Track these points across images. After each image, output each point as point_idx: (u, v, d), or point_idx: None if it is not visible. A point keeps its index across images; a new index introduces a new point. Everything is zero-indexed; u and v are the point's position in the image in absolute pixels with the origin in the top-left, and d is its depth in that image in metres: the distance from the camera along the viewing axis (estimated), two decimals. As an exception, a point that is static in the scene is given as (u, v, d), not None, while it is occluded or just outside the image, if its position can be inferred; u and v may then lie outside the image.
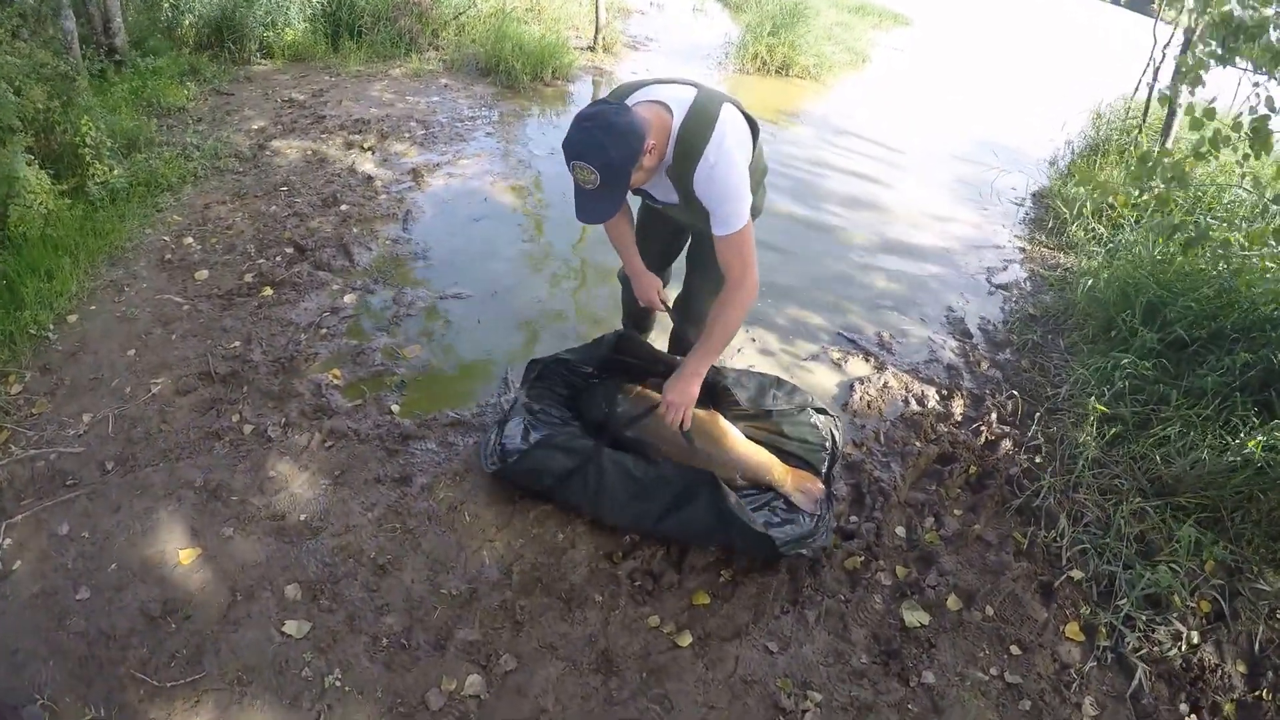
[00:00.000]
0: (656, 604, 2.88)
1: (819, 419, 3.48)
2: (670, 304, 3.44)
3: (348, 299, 4.28)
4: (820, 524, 3.07)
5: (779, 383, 3.56)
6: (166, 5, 7.38)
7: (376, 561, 2.89)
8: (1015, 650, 2.88)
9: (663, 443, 3.19)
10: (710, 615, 2.86)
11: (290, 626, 2.66)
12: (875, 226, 5.84)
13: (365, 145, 6.02)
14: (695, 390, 2.87)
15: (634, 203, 3.00)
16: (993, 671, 2.81)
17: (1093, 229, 5.73)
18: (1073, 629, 2.97)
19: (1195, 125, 3.76)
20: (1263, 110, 3.63)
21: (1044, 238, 5.97)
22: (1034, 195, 6.77)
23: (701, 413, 3.31)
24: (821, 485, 3.24)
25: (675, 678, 2.65)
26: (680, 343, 3.62)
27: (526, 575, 2.91)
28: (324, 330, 4.03)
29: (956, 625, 2.95)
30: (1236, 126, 3.69)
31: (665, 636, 2.77)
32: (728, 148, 2.58)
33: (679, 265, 3.52)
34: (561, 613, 2.80)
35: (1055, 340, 4.65)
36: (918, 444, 3.73)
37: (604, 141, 2.39)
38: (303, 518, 3.05)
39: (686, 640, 2.76)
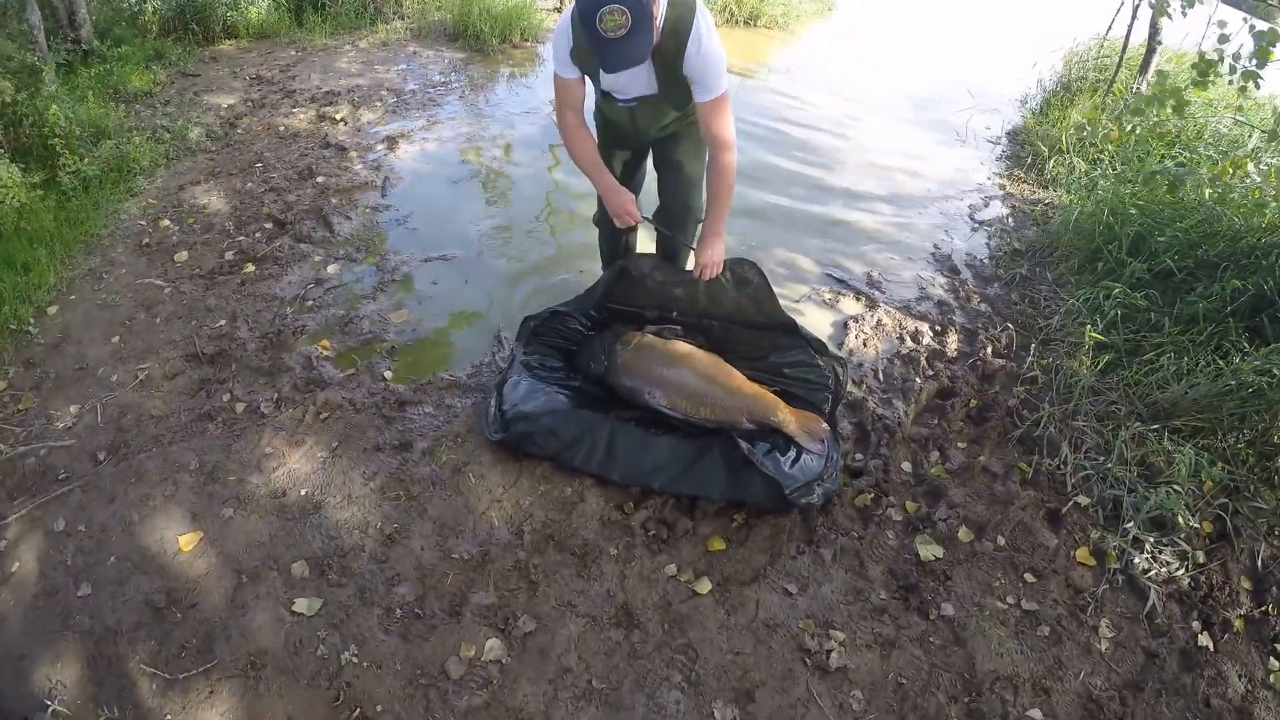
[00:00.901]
0: (672, 552, 2.78)
1: (821, 359, 3.38)
2: (649, 215, 3.40)
3: (331, 269, 4.13)
4: (828, 465, 2.98)
5: (779, 323, 3.45)
6: None
7: (383, 531, 2.77)
8: (1029, 578, 2.83)
9: (667, 389, 3.11)
10: (727, 560, 2.77)
11: (300, 605, 2.55)
12: (854, 169, 5.72)
13: (337, 116, 5.82)
14: (721, 248, 3.20)
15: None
16: (1009, 600, 2.75)
17: (1072, 164, 5.63)
18: (1083, 554, 2.92)
19: (1205, 67, 3.66)
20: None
21: (1023, 174, 5.87)
22: (1009, 133, 6.66)
23: (705, 355, 3.23)
24: (826, 425, 3.13)
25: (698, 626, 2.56)
26: (670, 248, 3.60)
27: (538, 533, 2.80)
28: (310, 302, 3.88)
29: (970, 556, 2.88)
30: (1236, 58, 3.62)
31: (684, 585, 2.68)
32: (709, 21, 2.78)
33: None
34: (577, 569, 2.70)
35: (1043, 273, 4.57)
36: (917, 380, 3.64)
37: None
38: (304, 493, 2.92)
39: (706, 587, 2.67)
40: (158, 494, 2.90)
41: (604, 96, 3.04)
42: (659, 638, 2.52)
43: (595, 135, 3.21)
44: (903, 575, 2.80)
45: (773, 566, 2.76)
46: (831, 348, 3.60)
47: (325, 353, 3.56)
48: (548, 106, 6.34)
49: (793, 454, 2.96)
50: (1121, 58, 6.52)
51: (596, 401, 3.20)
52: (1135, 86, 6.08)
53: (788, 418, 3.08)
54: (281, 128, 5.67)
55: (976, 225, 5.10)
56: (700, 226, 3.25)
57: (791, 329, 3.42)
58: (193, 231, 4.46)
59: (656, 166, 3.44)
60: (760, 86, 7.35)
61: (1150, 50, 6.10)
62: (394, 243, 4.42)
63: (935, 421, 3.46)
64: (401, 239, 4.46)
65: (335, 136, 5.51)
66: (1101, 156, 5.53)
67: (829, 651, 2.52)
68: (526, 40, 7.63)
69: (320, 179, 4.95)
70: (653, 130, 3.17)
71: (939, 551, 2.89)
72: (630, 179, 3.44)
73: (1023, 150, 6.26)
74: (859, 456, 3.23)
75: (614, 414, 3.11)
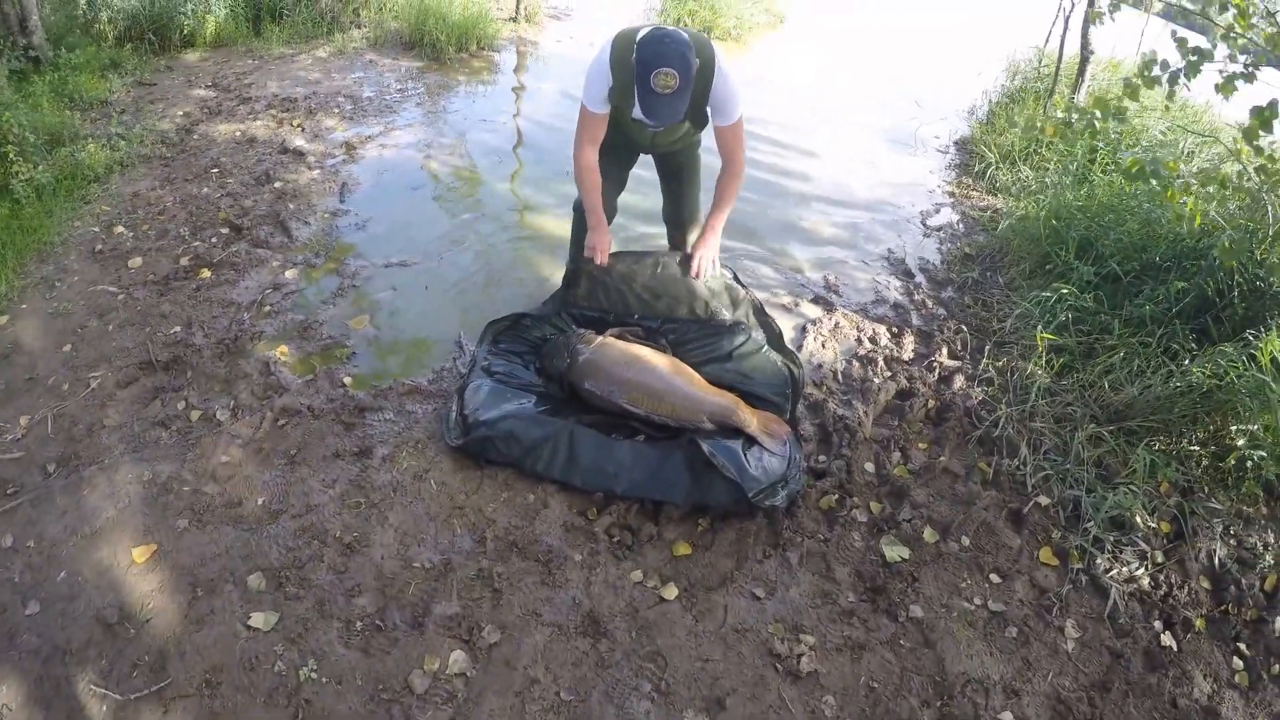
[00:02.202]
0: (637, 558, 2.68)
1: (778, 358, 3.34)
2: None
3: (289, 274, 3.96)
4: (791, 466, 2.91)
5: (736, 326, 3.46)
6: (83, 1, 6.82)
7: (342, 541, 2.63)
8: (995, 578, 2.78)
9: (628, 386, 3.04)
10: (693, 565, 2.67)
11: (257, 619, 2.40)
12: (808, 177, 5.65)
13: (294, 122, 5.62)
14: (717, 246, 3.48)
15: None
16: (976, 601, 2.69)
17: (1018, 171, 5.63)
18: (1046, 554, 2.88)
19: (1146, 74, 3.63)
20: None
21: (971, 181, 5.86)
22: (956, 142, 6.65)
23: (665, 357, 3.16)
24: (787, 426, 3.07)
25: (666, 633, 2.45)
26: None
27: (501, 541, 2.67)
28: (267, 308, 3.71)
29: (936, 557, 2.82)
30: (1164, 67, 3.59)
31: (650, 591, 2.57)
32: (724, 62, 3.07)
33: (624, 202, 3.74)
34: (541, 576, 2.58)
35: (994, 277, 4.54)
36: (876, 381, 3.57)
37: (684, 51, 2.81)
38: (260, 502, 2.77)
39: (673, 593, 2.57)
40: (110, 506, 2.73)
41: (629, 121, 3.17)
42: (627, 646, 2.41)
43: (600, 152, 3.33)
44: (870, 577, 2.72)
45: (740, 570, 2.66)
46: (790, 349, 3.53)
47: (283, 359, 3.40)
48: (505, 114, 6.21)
49: (756, 456, 2.88)
50: (1058, 68, 6.54)
51: (559, 406, 3.10)
52: (1073, 95, 6.09)
53: (748, 418, 3.01)
54: (238, 134, 5.46)
55: (929, 231, 5.06)
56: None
57: (759, 317, 3.56)
58: (147, 238, 4.26)
59: (663, 176, 3.67)
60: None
61: (1084, 59, 6.12)
62: (353, 248, 4.25)
63: (895, 422, 3.40)
64: (361, 244, 4.29)
65: (292, 142, 5.32)
66: (1047, 165, 5.52)
67: (799, 656, 2.43)
68: (483, 49, 7.46)
69: (277, 184, 4.76)
70: (665, 145, 3.43)
71: (905, 553, 2.81)
72: (621, 176, 3.61)
73: (970, 159, 6.25)
74: (822, 458, 3.15)
75: (575, 418, 3.01)
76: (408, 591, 2.50)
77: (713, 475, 2.78)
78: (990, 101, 7.01)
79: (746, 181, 5.29)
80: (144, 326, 3.58)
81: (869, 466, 3.15)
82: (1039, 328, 3.76)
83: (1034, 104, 6.51)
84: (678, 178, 3.61)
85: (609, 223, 3.53)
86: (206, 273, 3.94)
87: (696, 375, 3.13)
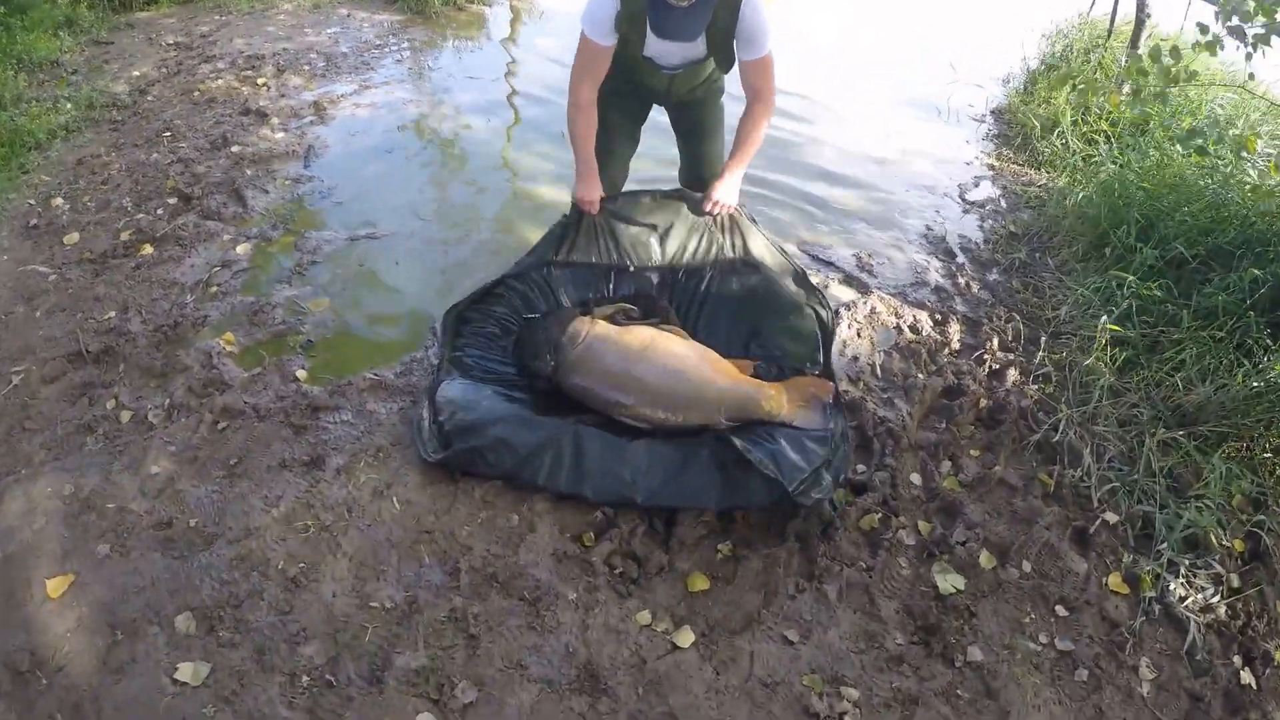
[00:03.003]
0: (645, 594, 2.30)
1: (801, 294, 3.13)
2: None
3: (241, 250, 3.56)
4: (833, 441, 2.62)
5: (749, 263, 3.20)
6: None
7: (286, 573, 2.25)
8: (1061, 611, 2.43)
9: (628, 392, 2.68)
10: (712, 603, 2.30)
11: (184, 670, 2.04)
12: (835, 145, 5.20)
13: (260, 81, 5.20)
14: (737, 189, 3.20)
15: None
16: (1042, 639, 2.35)
17: (1067, 143, 5.21)
18: (1115, 580, 2.54)
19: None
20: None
21: (1012, 154, 5.42)
22: (993, 111, 6.21)
23: (670, 341, 2.82)
24: (829, 384, 2.79)
25: (680, 688, 2.07)
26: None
27: (478, 574, 2.29)
28: (214, 288, 3.32)
29: (995, 587, 2.46)
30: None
31: (661, 636, 2.19)
32: None
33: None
34: (527, 618, 2.19)
35: (1044, 259, 4.13)
36: (920, 376, 3.17)
37: None
38: (193, 523, 2.40)
39: (688, 639, 2.19)
40: (25, 527, 2.38)
41: (643, 60, 2.88)
42: (632, 706, 2.03)
43: (604, 117, 3.05)
44: (921, 614, 2.36)
45: (768, 609, 2.28)
46: (816, 289, 3.30)
47: (229, 348, 3.02)
48: (495, 72, 5.77)
49: (792, 437, 2.59)
50: (1110, 31, 6.12)
51: (553, 402, 2.73)
52: (1125, 60, 5.67)
53: (777, 404, 2.67)
54: (196, 94, 5.06)
55: (968, 206, 4.64)
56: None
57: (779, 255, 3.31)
58: (87, 210, 3.89)
59: (679, 131, 3.35)
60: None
61: (1139, 23, 5.71)
62: (316, 219, 3.86)
63: (943, 425, 3.01)
64: (325, 214, 3.90)
65: (256, 102, 4.90)
66: (1097, 137, 5.12)
67: (841, 715, 2.06)
68: (471, 2, 7.00)
69: (235, 148, 4.36)
70: (683, 92, 3.11)
71: (960, 582, 2.45)
72: (632, 133, 3.30)
73: (1010, 129, 5.82)
74: (861, 468, 2.77)
75: (577, 416, 2.64)
76: (364, 638, 2.11)
77: (749, 472, 2.44)
78: (1028, 69, 6.58)
79: (764, 148, 4.95)
80: (75, 312, 3.23)
81: (915, 478, 2.76)
82: (1103, 318, 3.37)
83: (1080, 73, 6.10)
84: (697, 133, 3.27)
85: (619, 189, 3.26)
86: (149, 249, 3.56)
87: (709, 357, 2.79)
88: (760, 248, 3.27)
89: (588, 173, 3.06)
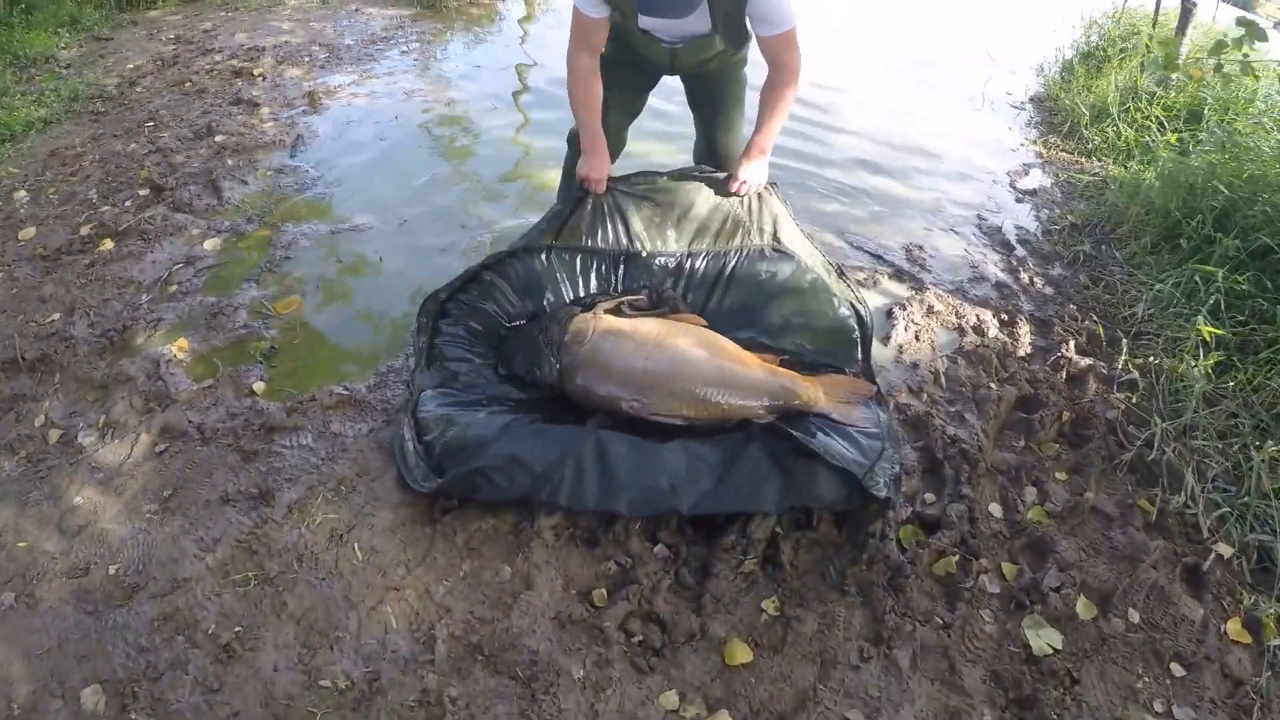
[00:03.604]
0: (671, 669, 1.74)
1: (836, 289, 2.65)
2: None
3: (208, 245, 3.04)
4: (883, 436, 2.21)
5: (775, 252, 2.73)
6: None
7: (217, 639, 1.72)
8: (1177, 669, 1.90)
9: (650, 389, 2.20)
10: (756, 679, 1.74)
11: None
12: (874, 133, 4.62)
13: (256, 72, 4.69)
14: (765, 168, 2.76)
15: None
16: (1158, 707, 1.84)
17: (1118, 129, 4.64)
18: (1235, 627, 2.01)
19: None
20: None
21: (1059, 141, 4.85)
22: (1032, 99, 5.64)
23: (687, 330, 2.36)
24: (868, 385, 2.39)
25: (718, 802, 1.51)
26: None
27: (459, 643, 1.74)
28: (174, 287, 2.81)
29: (1098, 644, 1.92)
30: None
31: (692, 727, 1.63)
32: None
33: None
34: (521, 703, 1.64)
35: (1110, 251, 3.55)
36: (991, 386, 2.61)
37: None
38: (113, 570, 1.89)
39: (727, 727, 1.62)
40: (-74, 572, 1.87)
41: (640, 34, 2.53)
42: (655, 827, 1.47)
43: (603, 68, 2.65)
44: (1013, 681, 1.81)
45: (825, 684, 1.74)
46: (850, 283, 2.79)
47: (180, 356, 2.50)
48: (505, 62, 5.22)
49: (838, 433, 2.19)
50: (1155, 18, 5.57)
51: (560, 408, 2.25)
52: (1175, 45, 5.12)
53: (814, 392, 2.23)
54: (188, 85, 4.56)
55: (1020, 195, 4.07)
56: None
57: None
58: (49, 203, 3.40)
59: (693, 103, 2.93)
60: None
61: (1185, 11, 5.16)
62: (296, 211, 3.33)
63: (1021, 443, 2.44)
64: (306, 207, 3.37)
65: (248, 93, 4.39)
66: (1149, 123, 4.56)
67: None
68: (486, -3, 6.49)
69: (220, 138, 3.85)
70: (692, 65, 2.71)
71: (1056, 639, 1.91)
72: (630, 101, 2.87)
73: (1053, 117, 5.25)
74: (930, 498, 2.20)
75: (594, 421, 2.15)
76: (309, 728, 1.57)
77: (810, 465, 2.01)
78: (1063, 57, 6.02)
79: (801, 134, 4.44)
80: (16, 314, 2.76)
81: (995, 509, 2.20)
82: (1198, 316, 2.83)
83: (1128, 60, 5.54)
84: (712, 104, 2.85)
85: (613, 159, 2.80)
86: (108, 244, 3.06)
87: (730, 345, 2.32)
88: (790, 234, 2.78)
89: (594, 146, 2.64)
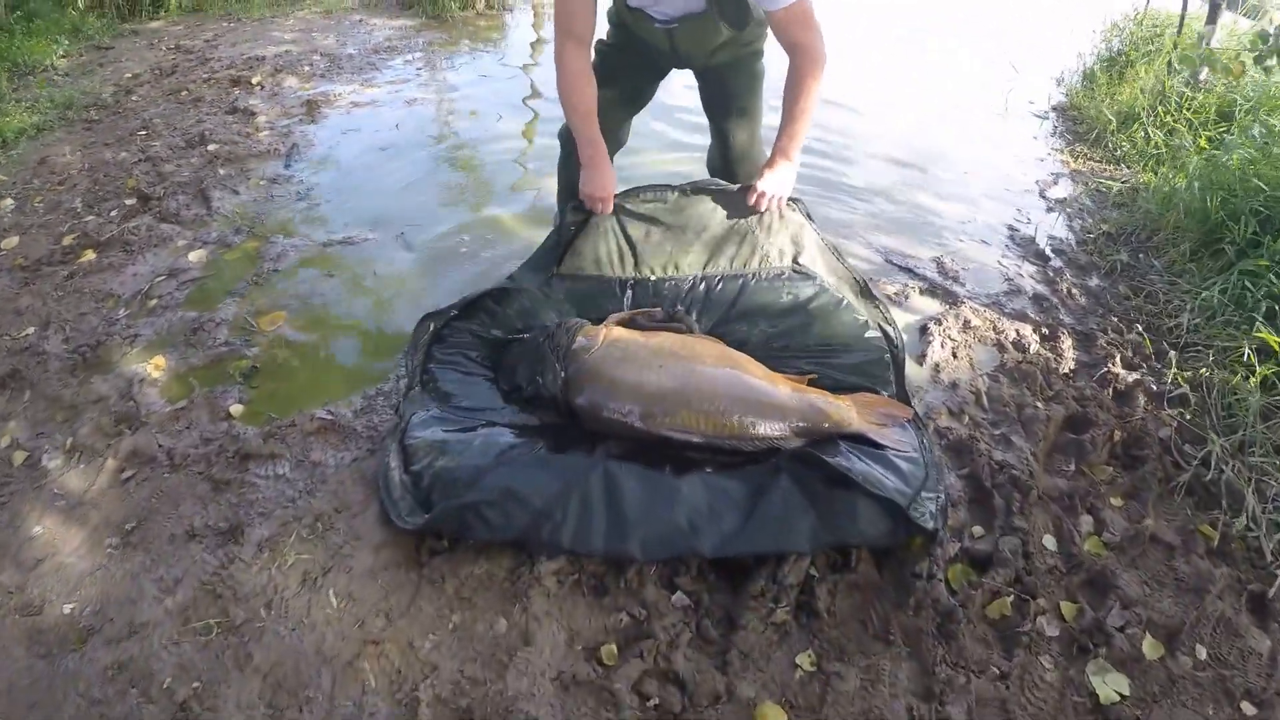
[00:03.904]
0: (693, 736, 1.49)
1: (864, 314, 2.44)
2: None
3: (193, 256, 2.83)
4: (925, 463, 1.98)
5: (798, 274, 2.50)
6: None
7: (173, 694, 1.49)
8: (1248, 708, 1.68)
9: (665, 401, 1.97)
10: (793, 746, 1.49)
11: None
12: (897, 142, 4.39)
13: (254, 81, 4.50)
14: (791, 177, 2.41)
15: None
16: None
17: (1147, 134, 4.41)
18: None
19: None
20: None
21: (1086, 149, 4.62)
22: (1055, 109, 5.42)
23: (709, 343, 2.16)
24: (905, 407, 2.14)
25: None
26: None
27: (446, 707, 1.50)
28: (154, 301, 2.60)
29: (1167, 687, 1.69)
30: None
31: (718, 806, 1.39)
32: None
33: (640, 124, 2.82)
34: (518, 777, 1.40)
35: (1148, 260, 3.31)
36: (1038, 405, 2.36)
37: None
38: (68, 609, 1.67)
39: (759, 809, 1.38)
40: None
41: (631, 12, 2.31)
42: None
43: (600, 68, 2.42)
44: (1079, 736, 1.55)
45: (872, 749, 1.48)
46: (880, 302, 2.57)
47: (155, 374, 2.28)
48: (511, 71, 5.02)
49: (874, 458, 1.94)
50: (1182, 19, 5.34)
51: (564, 435, 2.00)
52: (1205, 41, 4.90)
53: (846, 412, 2.03)
54: (184, 94, 4.38)
55: (1051, 205, 3.83)
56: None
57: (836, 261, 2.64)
58: (34, 212, 3.22)
59: (706, 104, 2.67)
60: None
61: (1214, 7, 4.94)
62: (287, 222, 3.12)
63: (1071, 466, 2.20)
64: (300, 217, 3.15)
65: (245, 101, 4.20)
66: (1179, 127, 4.33)
67: None
68: (491, 8, 6.26)
69: (212, 147, 3.65)
70: (698, 55, 2.44)
71: (1123, 685, 1.67)
72: (630, 90, 2.58)
73: (1078, 125, 5.02)
74: (978, 531, 1.95)
75: (603, 449, 1.92)
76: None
77: (850, 496, 1.79)
78: (1084, 66, 5.81)
79: (820, 144, 4.17)
80: (-9, 327, 2.52)
81: (1049, 541, 1.95)
82: (1243, 324, 2.64)
83: (1152, 64, 5.33)
84: (724, 102, 2.58)
85: (611, 155, 2.51)
86: (90, 255, 2.86)
87: (756, 364, 2.09)
88: (813, 252, 2.56)
89: (594, 158, 2.35)
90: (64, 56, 5.17)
